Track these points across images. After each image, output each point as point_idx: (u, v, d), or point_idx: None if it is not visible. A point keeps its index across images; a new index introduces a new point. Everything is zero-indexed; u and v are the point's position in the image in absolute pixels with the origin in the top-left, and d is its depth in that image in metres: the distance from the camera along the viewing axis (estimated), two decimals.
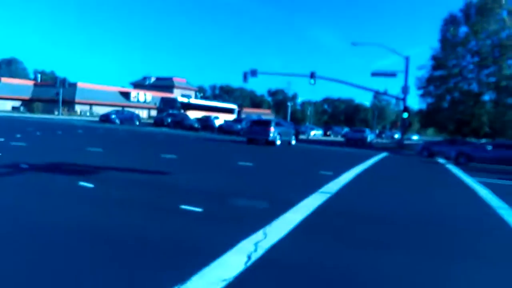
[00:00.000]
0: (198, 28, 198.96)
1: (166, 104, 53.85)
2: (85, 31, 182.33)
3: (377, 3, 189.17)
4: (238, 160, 15.30)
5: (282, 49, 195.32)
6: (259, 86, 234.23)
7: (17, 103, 65.57)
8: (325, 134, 67.89)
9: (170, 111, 49.44)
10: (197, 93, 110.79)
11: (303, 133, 59.66)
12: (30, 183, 8.49)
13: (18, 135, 19.21)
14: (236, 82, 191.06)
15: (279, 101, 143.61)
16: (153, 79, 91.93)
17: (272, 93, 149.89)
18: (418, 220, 7.69)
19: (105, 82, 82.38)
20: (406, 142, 47.18)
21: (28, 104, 65.22)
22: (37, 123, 33.09)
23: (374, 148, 38.02)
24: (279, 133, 28.18)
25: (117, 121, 44.69)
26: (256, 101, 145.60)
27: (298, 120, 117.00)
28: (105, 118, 45.03)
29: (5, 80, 68.51)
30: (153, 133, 33.11)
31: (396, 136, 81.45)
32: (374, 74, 46.33)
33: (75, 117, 54.83)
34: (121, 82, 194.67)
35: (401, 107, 49.83)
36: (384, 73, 46.09)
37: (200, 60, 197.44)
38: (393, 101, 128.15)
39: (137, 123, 46.66)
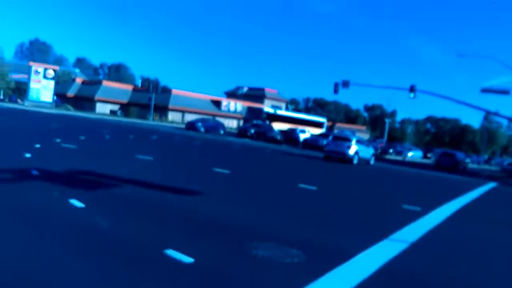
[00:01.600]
0: (294, 40, 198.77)
1: (252, 114, 52.71)
2: (189, 41, 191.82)
3: (488, 13, 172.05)
4: (301, 182, 12.81)
5: (381, 61, 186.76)
6: (355, 100, 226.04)
7: (115, 107, 69.35)
8: (425, 157, 61.80)
9: (255, 122, 48.09)
10: (289, 105, 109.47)
11: (399, 153, 54.77)
12: (8, 196, 6.92)
13: (82, 137, 18.72)
14: (330, 95, 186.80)
15: (375, 117, 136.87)
16: (245, 89, 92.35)
17: (369, 108, 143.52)
18: None
19: (200, 91, 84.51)
20: None
21: (125, 108, 68.63)
22: (118, 127, 33.60)
23: (480, 176, 32.76)
24: (357, 151, 25.03)
25: (202, 129, 44.36)
26: (351, 116, 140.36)
27: (396, 139, 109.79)
28: (190, 125, 45.01)
29: (106, 83, 73.00)
30: (230, 143, 31.75)
31: (507, 163, 72.09)
32: (484, 90, 40.58)
33: (165, 123, 56.12)
34: (215, 91, 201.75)
35: None
36: (496, 89, 40.17)
37: (294, 72, 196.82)
38: (505, 123, 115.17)
39: (222, 132, 45.98)
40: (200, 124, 44.95)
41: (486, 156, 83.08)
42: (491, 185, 24.10)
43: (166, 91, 70.94)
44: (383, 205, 10.80)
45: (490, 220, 10.88)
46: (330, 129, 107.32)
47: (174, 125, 54.90)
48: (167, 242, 5.18)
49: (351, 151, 25.37)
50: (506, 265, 6.46)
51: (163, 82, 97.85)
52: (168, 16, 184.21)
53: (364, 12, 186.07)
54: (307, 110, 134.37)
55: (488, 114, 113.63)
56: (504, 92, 39.53)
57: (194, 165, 14.71)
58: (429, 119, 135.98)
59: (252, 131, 44.60)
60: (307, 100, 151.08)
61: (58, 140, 15.80)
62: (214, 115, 73.74)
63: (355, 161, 25.19)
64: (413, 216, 9.14)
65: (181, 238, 5.50)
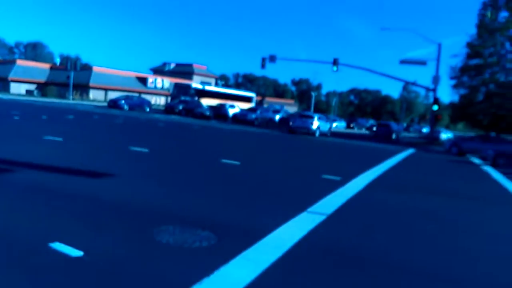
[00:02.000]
0: (222, 15, 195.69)
1: (180, 91, 51.25)
2: (110, 17, 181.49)
3: None
4: (224, 157, 12.42)
5: (307, 37, 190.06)
6: (283, 75, 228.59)
7: (32, 87, 64.31)
8: (348, 127, 64.28)
9: (183, 98, 46.84)
10: (219, 81, 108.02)
11: None
12: None
13: None
14: (259, 71, 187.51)
15: (303, 91, 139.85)
16: (172, 66, 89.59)
17: (296, 83, 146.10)
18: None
19: (125, 68, 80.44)
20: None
21: (43, 88, 63.85)
22: (31, 107, 31.02)
23: (400, 143, 34.49)
24: (318, 126, 30.90)
25: (126, 107, 42.37)
26: (279, 91, 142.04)
27: (322, 111, 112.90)
28: (113, 103, 42.77)
29: (20, 62, 67.33)
30: (156, 120, 30.53)
31: (424, 130, 77.02)
32: (403, 61, 42.57)
33: (85, 102, 52.93)
34: (141, 68, 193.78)
35: (431, 100, 45.94)
36: (414, 60, 42.25)
37: (223, 48, 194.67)
38: (423, 93, 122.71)
39: (148, 109, 44.26)
40: (123, 101, 42.92)
41: (405, 124, 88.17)
42: (410, 151, 25.36)
43: (87, 68, 66.71)
44: (305, 177, 10.72)
45: (403, 186, 11.23)
46: (259, 103, 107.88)
47: (96, 103, 51.96)
48: (55, 234, 4.54)
49: (314, 126, 31.93)
50: (409, 226, 6.55)
51: (85, 60, 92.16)
52: None
53: None
54: (237, 86, 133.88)
55: (407, 85, 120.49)
56: (422, 62, 41.63)
57: (110, 144, 13.72)
58: (353, 91, 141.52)
59: (180, 107, 43.45)
60: (236, 76, 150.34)
61: None
62: (140, 93, 70.91)
63: (317, 134, 31.40)
64: (331, 187, 9.12)
65: (74, 228, 4.86)
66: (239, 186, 8.68)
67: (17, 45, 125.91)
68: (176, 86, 54.89)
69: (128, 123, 24.71)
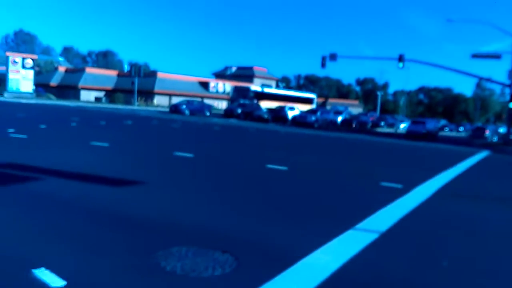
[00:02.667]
0: (282, 16, 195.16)
1: (239, 94, 51.18)
2: (173, 24, 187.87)
3: None
4: (270, 162, 11.54)
5: (370, 33, 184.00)
6: (347, 75, 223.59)
7: (101, 94, 67.53)
8: None
9: (242, 101, 46.63)
10: (280, 83, 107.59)
11: (391, 125, 53.61)
12: None
13: (42, 126, 17.33)
14: (321, 71, 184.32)
15: (368, 91, 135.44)
16: (234, 69, 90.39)
17: (361, 82, 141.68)
18: None
19: (188, 73, 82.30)
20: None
21: (111, 94, 66.83)
22: (94, 113, 32.09)
23: (473, 145, 31.61)
24: None
25: (187, 111, 42.86)
26: (343, 91, 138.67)
27: (389, 111, 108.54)
28: (174, 108, 43.47)
29: (89, 70, 70.94)
30: (213, 125, 30.34)
31: (501, 130, 71.03)
32: (475, 55, 39.23)
33: (150, 108, 54.50)
34: (203, 72, 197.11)
35: (507, 97, 41.96)
36: (487, 54, 38.83)
37: (283, 49, 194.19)
38: (498, 90, 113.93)
39: (208, 114, 44.52)
40: (184, 106, 43.46)
41: (480, 124, 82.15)
42: (484, 153, 22.97)
43: (151, 74, 68.99)
44: (360, 184, 9.55)
45: (481, 197, 9.66)
46: (322, 105, 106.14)
47: (159, 108, 53.31)
48: (44, 257, 3.90)
49: None
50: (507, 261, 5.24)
51: (153, 66, 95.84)
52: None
53: None
54: (298, 87, 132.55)
55: (480, 81, 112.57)
56: (496, 56, 38.16)
57: (156, 150, 13.35)
58: (422, 89, 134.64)
59: (239, 111, 43.22)
60: (298, 77, 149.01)
61: (11, 130, 14.43)
62: (202, 97, 72.08)
63: None
64: (392, 195, 7.91)
65: (69, 250, 4.20)
66: (281, 197, 7.75)
67: (90, 54, 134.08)
68: (235, 89, 54.93)
69: (184, 128, 24.61)
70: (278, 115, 43.38)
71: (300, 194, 8.00)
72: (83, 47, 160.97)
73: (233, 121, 38.94)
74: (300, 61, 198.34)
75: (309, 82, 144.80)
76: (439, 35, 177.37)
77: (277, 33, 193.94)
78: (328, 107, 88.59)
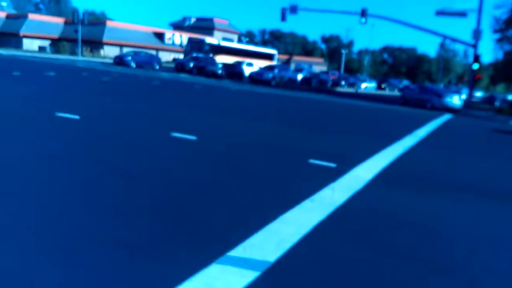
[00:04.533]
0: None
1: (193, 47, 47.61)
2: None
3: None
4: (176, 130, 9.09)
5: None
6: (313, 31, 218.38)
7: (45, 43, 62.01)
8: (379, 87, 59.37)
9: (195, 55, 43.27)
10: (243, 38, 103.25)
11: (352, 85, 51.85)
12: None
13: None
14: (287, 27, 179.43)
15: (333, 49, 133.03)
16: (193, 20, 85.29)
17: (326, 40, 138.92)
18: None
19: (144, 23, 76.60)
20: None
21: (56, 43, 61.46)
22: (19, 63, 28.31)
23: (437, 108, 30.15)
24: None
25: (133, 64, 39.20)
26: (308, 49, 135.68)
27: (353, 70, 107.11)
28: (119, 60, 39.62)
29: (33, 16, 64.71)
30: (156, 79, 27.31)
31: (463, 92, 71.01)
32: (440, 13, 37.36)
33: (95, 59, 50.14)
34: (161, 23, 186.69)
35: (470, 59, 40.72)
36: (452, 12, 36.97)
37: (248, 1, 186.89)
38: (461, 52, 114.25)
39: (157, 67, 40.99)
40: (130, 58, 39.71)
41: (442, 85, 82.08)
42: (446, 117, 21.38)
43: (100, 23, 63.73)
44: (281, 163, 7.29)
45: (434, 176, 7.64)
46: (287, 62, 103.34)
47: (106, 60, 49.04)
48: None
49: None
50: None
51: (110, 15, 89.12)
52: None
53: None
54: (263, 43, 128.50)
55: (444, 42, 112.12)
56: (461, 14, 36.40)
57: (34, 107, 10.56)
58: (386, 49, 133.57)
59: (191, 64, 40.04)
60: (263, 32, 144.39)
61: None
62: (157, 49, 67.68)
63: None
64: (315, 183, 5.71)
65: None
66: (170, 185, 5.38)
67: (42, 0, 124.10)
68: (189, 41, 51.18)
69: (115, 82, 21.56)
70: (233, 71, 40.53)
71: (197, 183, 5.65)
72: None
73: (183, 75, 35.86)
74: (266, 15, 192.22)
75: (274, 38, 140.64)
76: None
77: None
78: (293, 65, 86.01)
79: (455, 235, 4.42)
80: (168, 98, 16.53)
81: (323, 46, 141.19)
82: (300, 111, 17.34)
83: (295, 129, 11.38)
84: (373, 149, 8.69)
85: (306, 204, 4.74)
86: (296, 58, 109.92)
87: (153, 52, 66.81)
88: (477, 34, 34.32)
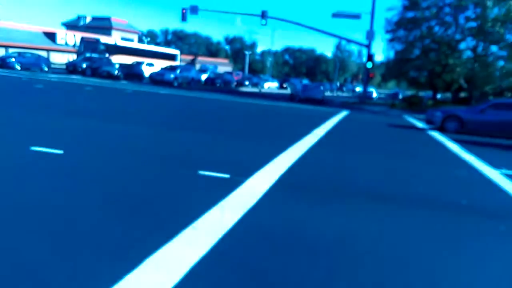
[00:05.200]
0: None
1: (87, 46, 44.28)
2: None
3: None
4: (40, 143, 7.69)
5: None
6: (217, 32, 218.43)
7: None
8: (281, 87, 60.58)
9: (88, 55, 40.21)
10: (144, 38, 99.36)
11: (256, 85, 52.12)
12: None
13: None
14: (190, 27, 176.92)
15: (237, 50, 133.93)
16: (88, 20, 79.94)
17: (230, 41, 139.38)
18: None
19: (32, 22, 69.62)
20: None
21: None
22: None
23: (333, 105, 31.08)
24: None
25: (17, 66, 35.16)
26: (212, 50, 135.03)
27: (257, 71, 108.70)
28: (1, 62, 35.24)
29: None
30: (40, 81, 24.54)
31: (358, 89, 75.37)
32: (336, 15, 38.78)
33: None
34: (52, 23, 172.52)
35: (364, 59, 42.97)
36: (347, 14, 38.60)
37: (150, 2, 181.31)
38: (356, 52, 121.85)
39: (46, 68, 37.23)
40: (13, 59, 35.59)
41: (338, 84, 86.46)
42: (343, 113, 21.87)
43: None
44: (165, 176, 6.32)
45: (338, 183, 7.20)
46: (191, 63, 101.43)
47: None
48: None
49: None
50: None
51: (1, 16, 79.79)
52: None
53: None
54: (166, 44, 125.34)
55: (340, 43, 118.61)
56: (355, 16, 38.09)
57: None
58: (287, 50, 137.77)
59: (84, 65, 37.03)
60: (165, 33, 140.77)
61: None
62: (48, 50, 62.18)
63: None
64: (212, 197, 4.84)
65: None
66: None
67: None
68: (82, 41, 47.61)
69: None
70: (131, 71, 38.30)
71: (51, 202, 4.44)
72: None
73: (75, 77, 32.97)
74: (169, 16, 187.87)
75: (177, 39, 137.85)
76: None
77: None
78: (198, 65, 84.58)
79: (357, 252, 3.82)
80: (46, 102, 14.57)
81: (227, 48, 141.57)
82: (198, 113, 16.40)
83: (189, 133, 10.42)
84: (271, 153, 8.06)
85: (187, 234, 3.83)
86: (201, 59, 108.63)
87: (44, 53, 61.37)
88: (370, 35, 36.13)
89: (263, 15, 39.91)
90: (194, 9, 41.71)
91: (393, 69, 43.11)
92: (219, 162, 7.01)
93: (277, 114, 19.55)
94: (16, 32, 59.04)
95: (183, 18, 41.87)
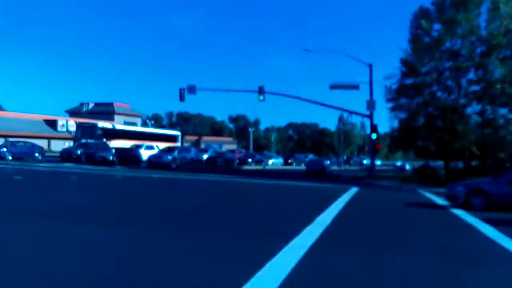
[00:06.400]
0: (147, 51, 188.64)
1: (84, 132, 43.42)
2: (26, 61, 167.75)
3: (329, 6, 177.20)
4: None
5: (238, 72, 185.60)
6: (220, 112, 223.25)
7: None
8: (286, 163, 58.93)
9: (84, 141, 39.21)
10: (148, 121, 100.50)
11: (259, 162, 50.56)
12: None
13: None
14: (194, 108, 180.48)
15: (241, 128, 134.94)
16: (91, 106, 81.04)
17: (233, 119, 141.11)
18: None
19: (36, 111, 70.13)
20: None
21: None
22: None
23: (340, 180, 29.09)
24: None
25: (8, 156, 34.01)
26: (216, 129, 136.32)
27: (262, 147, 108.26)
28: None
29: None
30: (26, 172, 23.01)
31: (365, 162, 73.62)
32: (334, 87, 38.03)
33: None
34: (56, 111, 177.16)
35: (368, 130, 41.71)
36: (345, 85, 37.90)
37: (152, 86, 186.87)
38: (359, 124, 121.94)
39: (39, 157, 35.96)
40: (5, 149, 34.52)
41: (345, 157, 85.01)
42: (353, 190, 19.73)
43: None
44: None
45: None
46: (196, 143, 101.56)
47: None
48: None
49: None
50: None
51: (5, 106, 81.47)
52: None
53: (211, 26, 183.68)
54: (171, 125, 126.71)
55: (342, 116, 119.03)
56: (353, 86, 37.35)
57: None
58: (291, 125, 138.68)
59: (79, 152, 35.75)
60: (170, 115, 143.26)
61: None
62: (49, 138, 62.13)
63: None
64: None
65: None
66: None
67: None
68: (79, 127, 47.06)
69: None
70: (128, 155, 36.91)
71: None
72: None
73: (68, 165, 31.56)
74: (172, 98, 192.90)
75: (182, 120, 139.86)
76: (301, 72, 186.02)
77: (140, 68, 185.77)
78: (203, 145, 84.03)
79: None
80: (4, 197, 12.72)
81: (231, 126, 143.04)
82: (185, 200, 14.41)
83: (162, 233, 8.35)
84: (260, 257, 5.95)
85: None
86: (206, 138, 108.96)
87: (45, 142, 61.10)
88: (371, 104, 35.06)
89: (260, 90, 39.35)
90: (192, 89, 41.31)
91: (399, 139, 41.39)
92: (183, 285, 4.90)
93: (274, 195, 17.51)
94: (16, 121, 59.32)
95: (181, 98, 41.36)
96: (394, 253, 7.32)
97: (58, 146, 59.37)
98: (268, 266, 5.80)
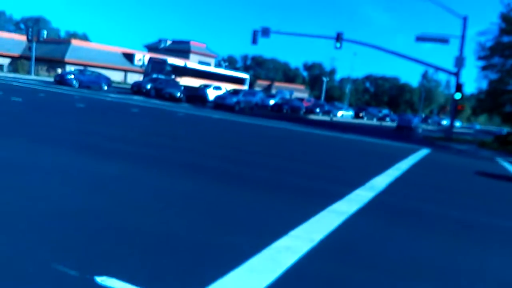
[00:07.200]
0: None
1: (154, 67, 43.92)
2: None
3: None
4: None
5: (319, 16, 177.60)
6: (296, 58, 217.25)
7: (5, 61, 57.96)
8: (356, 116, 56.42)
9: (155, 76, 39.66)
10: (222, 62, 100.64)
11: (327, 112, 48.71)
12: None
13: None
14: (269, 53, 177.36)
15: (315, 76, 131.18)
16: (168, 43, 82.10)
17: (308, 67, 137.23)
18: None
19: (116, 43, 72.64)
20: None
21: (16, 62, 57.45)
22: None
23: (415, 139, 26.86)
24: None
25: (75, 83, 35.17)
26: (289, 75, 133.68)
27: (335, 98, 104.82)
28: (60, 79, 35.55)
29: None
30: (90, 101, 23.55)
31: (444, 122, 68.65)
32: (420, 38, 34.56)
33: (42, 78, 45.93)
34: (135, 45, 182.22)
35: (452, 90, 37.84)
36: (434, 37, 34.18)
37: (231, 27, 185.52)
38: (444, 82, 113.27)
39: (106, 87, 36.92)
40: (72, 76, 35.68)
41: (423, 115, 79.94)
42: (423, 152, 17.86)
43: (65, 41, 60.11)
44: None
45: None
46: (268, 88, 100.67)
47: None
48: None
49: None
50: None
51: (92, 37, 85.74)
52: None
53: None
54: (245, 69, 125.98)
55: (426, 72, 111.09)
56: (443, 40, 33.59)
57: None
58: (369, 77, 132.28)
59: (148, 86, 36.31)
60: (245, 58, 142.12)
61: None
62: (125, 71, 64.29)
63: None
64: None
65: None
66: None
67: (23, 20, 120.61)
68: (150, 61, 47.61)
69: (25, 103, 17.71)
70: (194, 94, 36.92)
71: None
72: (17, 13, 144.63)
73: (136, 98, 32.15)
74: (248, 41, 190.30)
75: (256, 64, 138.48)
76: (385, 22, 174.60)
77: (224, 9, 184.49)
78: (274, 91, 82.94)
79: None
80: (55, 123, 12.69)
81: (305, 73, 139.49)
82: (223, 146, 13.65)
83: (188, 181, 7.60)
84: (285, 223, 4.95)
85: None
86: (278, 84, 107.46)
87: (122, 74, 63.28)
88: (459, 61, 31.47)
89: (338, 37, 36.77)
90: (266, 32, 39.68)
91: (485, 102, 37.47)
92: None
93: (345, 147, 16.21)
94: (95, 52, 61.41)
95: (254, 40, 40.04)
96: (452, 234, 5.96)
97: (134, 79, 61.41)
98: (288, 236, 4.78)
